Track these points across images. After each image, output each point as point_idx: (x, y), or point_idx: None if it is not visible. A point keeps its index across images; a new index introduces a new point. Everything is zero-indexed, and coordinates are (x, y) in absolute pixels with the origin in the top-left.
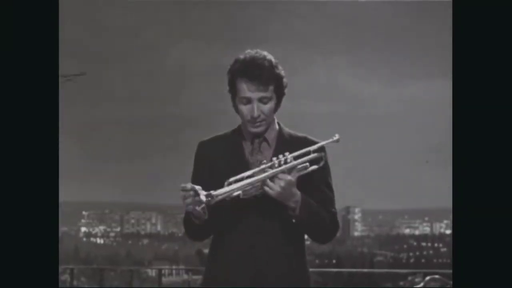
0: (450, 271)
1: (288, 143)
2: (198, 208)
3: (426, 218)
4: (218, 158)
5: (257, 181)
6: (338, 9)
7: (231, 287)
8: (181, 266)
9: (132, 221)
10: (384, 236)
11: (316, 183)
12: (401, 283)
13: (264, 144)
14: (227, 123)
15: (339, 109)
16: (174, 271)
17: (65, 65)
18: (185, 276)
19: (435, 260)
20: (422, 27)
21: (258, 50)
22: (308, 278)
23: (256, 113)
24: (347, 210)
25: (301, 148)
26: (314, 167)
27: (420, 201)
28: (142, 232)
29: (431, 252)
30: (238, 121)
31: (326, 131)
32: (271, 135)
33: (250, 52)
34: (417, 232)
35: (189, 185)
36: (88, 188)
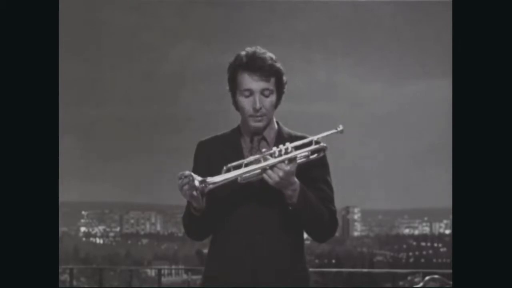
0: (450, 271)
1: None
2: (195, 193)
3: (426, 218)
4: (217, 157)
5: (256, 169)
6: (338, 9)
7: (230, 286)
8: (181, 266)
9: (132, 221)
10: (383, 236)
11: (315, 181)
12: (401, 283)
13: (263, 143)
14: (226, 123)
15: (339, 109)
16: (173, 271)
17: (65, 65)
18: (185, 276)
19: (434, 260)
20: (422, 27)
21: (258, 47)
22: (307, 277)
23: (258, 105)
24: (347, 210)
25: (300, 148)
26: (315, 155)
27: (420, 201)
28: (142, 232)
29: (430, 252)
30: (237, 121)
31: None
32: (270, 134)
33: (250, 48)
34: (416, 232)
35: (186, 172)
36: (88, 188)
